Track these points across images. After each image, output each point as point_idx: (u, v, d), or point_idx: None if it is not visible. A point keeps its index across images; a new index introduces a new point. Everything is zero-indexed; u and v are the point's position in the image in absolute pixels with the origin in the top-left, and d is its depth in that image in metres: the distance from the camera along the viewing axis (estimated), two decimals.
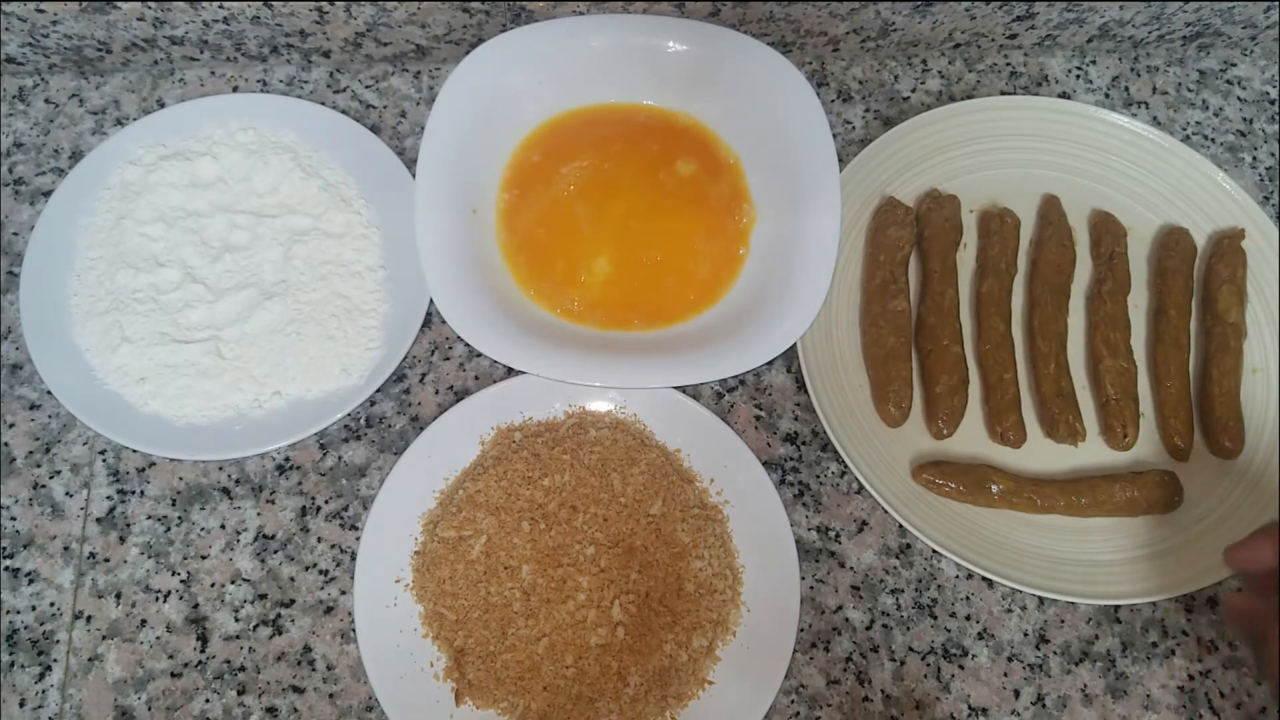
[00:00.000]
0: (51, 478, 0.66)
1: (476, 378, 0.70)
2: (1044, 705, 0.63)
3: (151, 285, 0.68)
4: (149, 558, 0.64)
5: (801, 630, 0.63)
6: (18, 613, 0.63)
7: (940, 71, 0.82)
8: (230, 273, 0.69)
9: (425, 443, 0.64)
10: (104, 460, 0.66)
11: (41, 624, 0.62)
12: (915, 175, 0.75)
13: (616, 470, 0.64)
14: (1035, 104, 0.77)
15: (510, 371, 0.69)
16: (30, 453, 0.66)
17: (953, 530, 0.64)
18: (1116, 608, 0.65)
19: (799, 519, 0.66)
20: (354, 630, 0.61)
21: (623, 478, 0.64)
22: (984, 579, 0.66)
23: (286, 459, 0.67)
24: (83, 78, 0.78)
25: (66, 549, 0.64)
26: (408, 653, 0.61)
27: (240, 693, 0.61)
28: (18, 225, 0.72)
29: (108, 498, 0.65)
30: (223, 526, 0.65)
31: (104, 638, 0.62)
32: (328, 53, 0.77)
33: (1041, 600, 0.65)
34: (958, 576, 0.66)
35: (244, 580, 0.64)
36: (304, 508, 0.66)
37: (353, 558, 0.64)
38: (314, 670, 0.62)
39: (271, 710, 0.61)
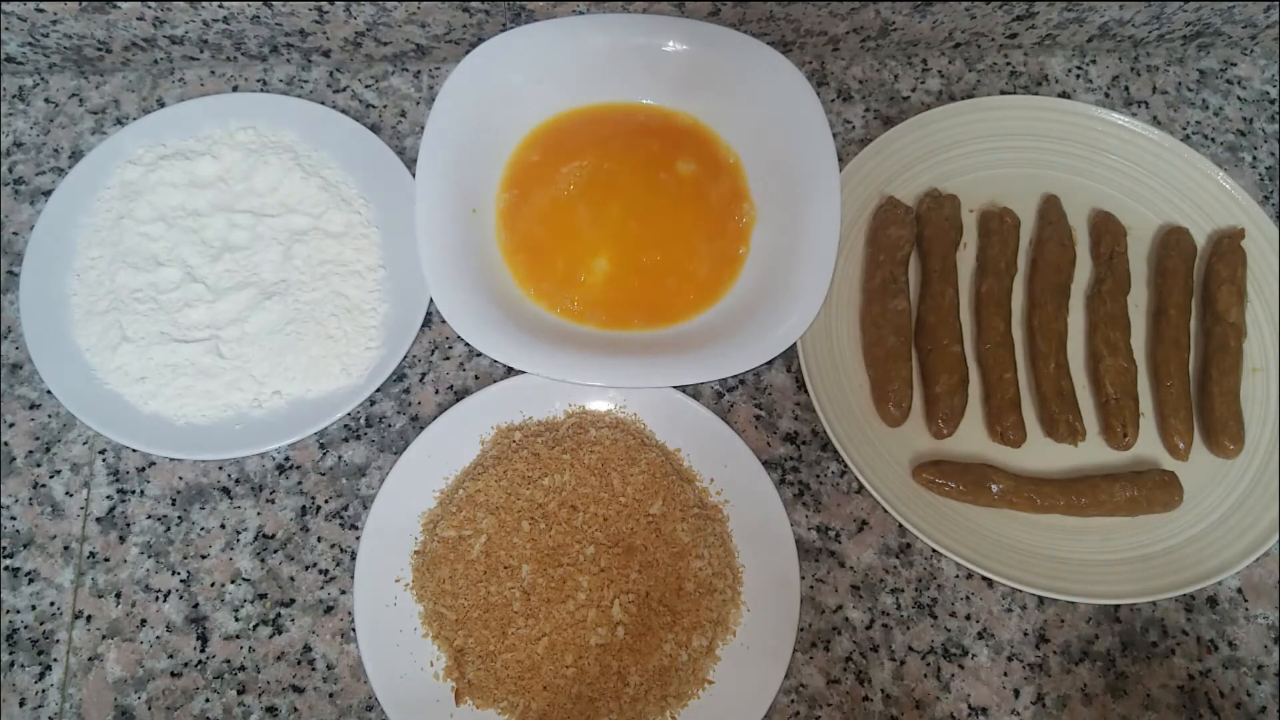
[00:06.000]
0: (51, 477, 0.66)
1: (476, 377, 0.70)
2: (1044, 705, 0.63)
3: (151, 285, 0.68)
4: (149, 557, 0.64)
5: (801, 630, 0.63)
6: (18, 612, 0.63)
7: (940, 71, 0.82)
8: (230, 272, 0.69)
9: (425, 442, 0.64)
10: (104, 460, 0.66)
11: (41, 624, 0.62)
12: (915, 175, 0.75)
13: (616, 470, 0.64)
14: (1035, 104, 0.77)
15: (510, 371, 0.69)
16: (30, 452, 0.66)
17: (953, 530, 0.64)
18: (1116, 608, 0.65)
19: (799, 519, 0.66)
20: (354, 630, 0.61)
21: (623, 477, 0.64)
22: (984, 579, 0.66)
23: (286, 459, 0.67)
24: (83, 77, 0.78)
25: (66, 549, 0.64)
26: (408, 652, 0.61)
27: (240, 692, 0.61)
28: (18, 225, 0.72)
29: (108, 497, 0.66)
30: (223, 526, 0.65)
31: (104, 637, 0.62)
32: (328, 52, 0.77)
33: (1041, 600, 0.65)
34: (958, 576, 0.66)
35: (244, 580, 0.64)
36: (304, 507, 0.66)
37: (353, 557, 0.64)
38: (314, 670, 0.62)
39: (271, 710, 0.61)
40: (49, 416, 0.67)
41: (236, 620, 0.63)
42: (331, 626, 0.63)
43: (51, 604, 0.63)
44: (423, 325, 0.68)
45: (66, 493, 0.66)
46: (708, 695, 0.60)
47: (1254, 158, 0.81)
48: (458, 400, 0.66)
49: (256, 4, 0.71)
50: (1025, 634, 0.64)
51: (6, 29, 0.72)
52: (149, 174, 0.71)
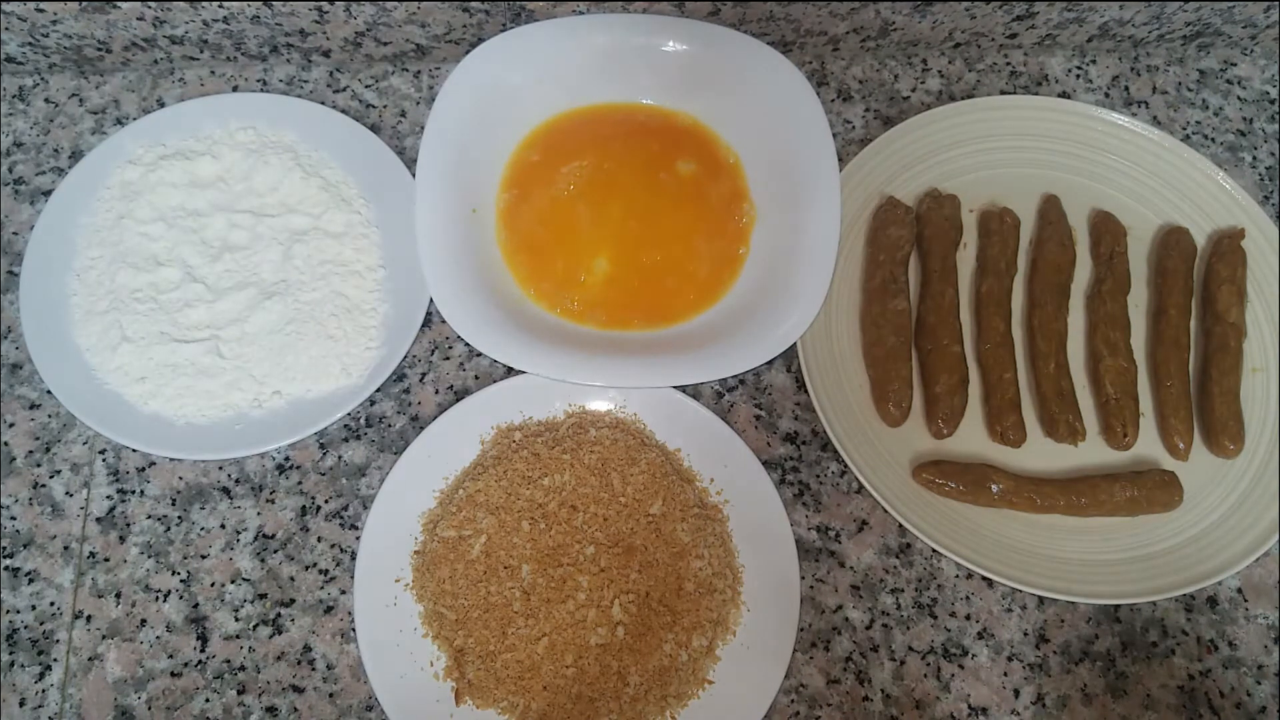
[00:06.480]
0: (51, 477, 0.66)
1: (476, 377, 0.70)
2: (1044, 705, 0.63)
3: (151, 285, 0.68)
4: (149, 557, 0.64)
5: (801, 630, 0.63)
6: (18, 612, 0.63)
7: (940, 71, 0.82)
8: (230, 272, 0.69)
9: (425, 442, 0.64)
10: (104, 460, 0.66)
11: (41, 624, 0.62)
12: (915, 175, 0.75)
13: (616, 470, 0.64)
14: (1035, 104, 0.77)
15: (510, 371, 0.69)
16: (30, 452, 0.66)
17: (953, 530, 0.64)
18: (1116, 608, 0.65)
19: (799, 519, 0.66)
20: (354, 630, 0.61)
21: (623, 477, 0.64)
22: (984, 579, 0.66)
23: (286, 459, 0.67)
24: (83, 77, 0.78)
25: (66, 549, 0.64)
26: (408, 652, 0.61)
27: (240, 692, 0.61)
28: (18, 225, 0.72)
29: (108, 497, 0.66)
30: (223, 526, 0.65)
31: (104, 637, 0.62)
32: (328, 52, 0.77)
33: (1041, 600, 0.65)
34: (958, 576, 0.66)
35: (244, 580, 0.64)
36: (304, 507, 0.66)
37: (353, 557, 0.64)
38: (314, 670, 0.62)
39: (271, 710, 0.61)
40: (49, 416, 0.67)
41: (236, 620, 0.63)
42: (331, 626, 0.63)
43: (51, 604, 0.63)
44: (423, 325, 0.68)
45: (66, 493, 0.66)
46: (708, 695, 0.60)
47: (1254, 158, 0.81)
48: (458, 400, 0.66)
49: (256, 4, 0.71)
50: (1025, 634, 0.64)
51: (6, 29, 0.72)
52: (149, 174, 0.71)
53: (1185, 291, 0.71)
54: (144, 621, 0.63)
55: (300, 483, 0.66)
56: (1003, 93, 0.82)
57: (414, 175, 0.66)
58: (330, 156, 0.73)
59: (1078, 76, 0.83)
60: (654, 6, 0.73)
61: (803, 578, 0.64)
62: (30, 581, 0.63)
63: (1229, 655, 0.64)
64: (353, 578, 0.62)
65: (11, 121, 0.76)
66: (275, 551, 0.65)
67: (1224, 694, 0.63)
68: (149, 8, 0.71)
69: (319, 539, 0.65)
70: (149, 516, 0.65)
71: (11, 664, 0.61)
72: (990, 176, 0.76)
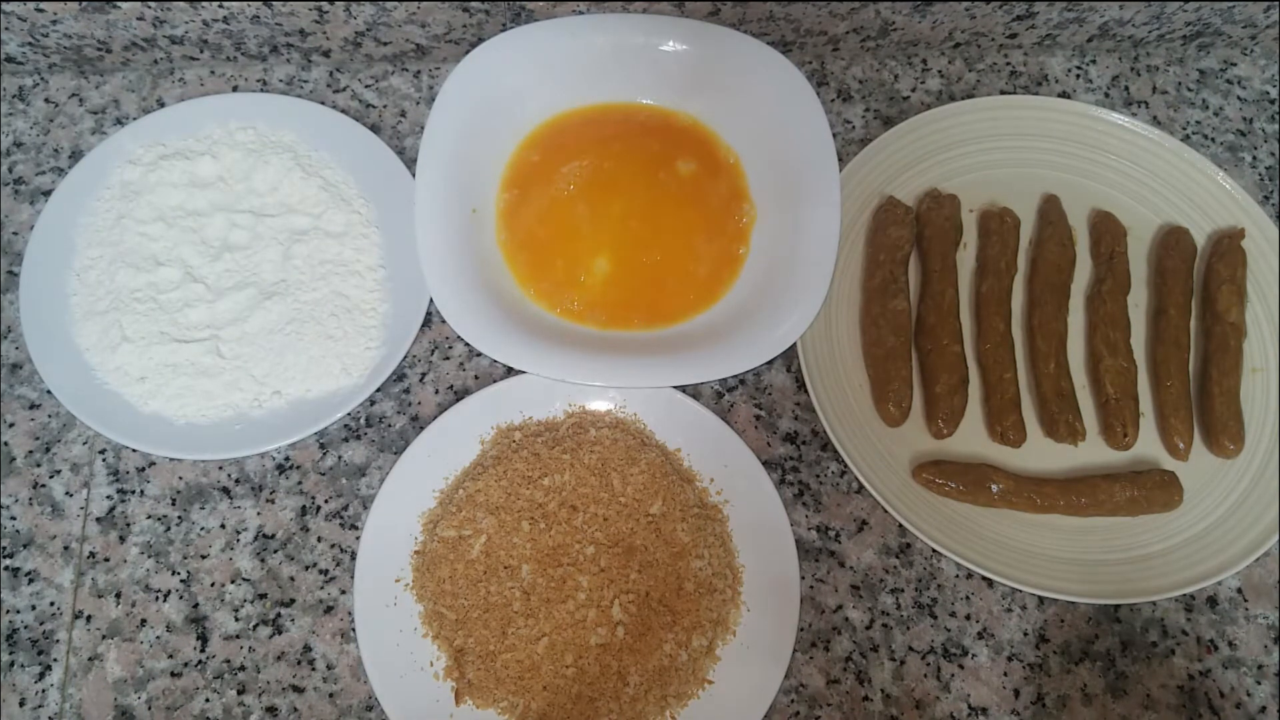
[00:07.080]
0: (51, 477, 0.66)
1: (476, 377, 0.70)
2: (1044, 705, 0.63)
3: (151, 285, 0.68)
4: (149, 557, 0.64)
5: (801, 630, 0.63)
6: (18, 612, 0.63)
7: (940, 71, 0.82)
8: (230, 272, 0.69)
9: (425, 442, 0.64)
10: (104, 460, 0.66)
11: (41, 624, 0.62)
12: (915, 175, 0.75)
13: (616, 470, 0.64)
14: (1035, 104, 0.77)
15: (510, 371, 0.69)
16: (30, 452, 0.66)
17: (953, 530, 0.64)
18: (1116, 607, 0.65)
19: (799, 519, 0.66)
20: (354, 630, 0.61)
21: (623, 477, 0.64)
22: (984, 579, 0.66)
23: (286, 459, 0.67)
24: (83, 77, 0.78)
25: (66, 549, 0.64)
26: (408, 652, 0.61)
27: (240, 692, 0.61)
28: (18, 225, 0.72)
29: (108, 497, 0.66)
30: (223, 526, 0.65)
31: (104, 637, 0.62)
32: (328, 52, 0.77)
33: (1041, 600, 0.65)
34: (958, 576, 0.66)
35: (244, 580, 0.64)
36: (304, 507, 0.66)
37: (353, 557, 0.64)
38: (314, 670, 0.62)
39: (271, 710, 0.61)
40: (49, 416, 0.67)
41: (236, 620, 0.63)
42: (331, 626, 0.63)
43: (51, 604, 0.63)
44: (423, 325, 0.68)
45: (66, 493, 0.66)
46: (708, 695, 0.60)
47: (1254, 158, 0.81)
48: (458, 400, 0.66)
49: (256, 4, 0.71)
50: (1025, 634, 0.64)
51: (6, 29, 0.72)
52: (149, 174, 0.71)
53: (1185, 291, 0.71)
54: (144, 621, 0.63)
55: (300, 483, 0.67)
56: (1003, 93, 0.82)
57: (414, 175, 0.66)
58: (330, 156, 0.73)
59: (1078, 76, 0.83)
60: (654, 6, 0.73)
61: (803, 578, 0.64)
62: (30, 581, 0.63)
63: (1229, 655, 0.64)
64: (353, 578, 0.62)
65: (11, 121, 0.76)
66: (275, 551, 0.65)
67: (1224, 694, 0.63)
68: (149, 8, 0.71)
69: (319, 539, 0.65)
70: (149, 516, 0.65)
71: (11, 664, 0.61)
72: (990, 176, 0.76)
